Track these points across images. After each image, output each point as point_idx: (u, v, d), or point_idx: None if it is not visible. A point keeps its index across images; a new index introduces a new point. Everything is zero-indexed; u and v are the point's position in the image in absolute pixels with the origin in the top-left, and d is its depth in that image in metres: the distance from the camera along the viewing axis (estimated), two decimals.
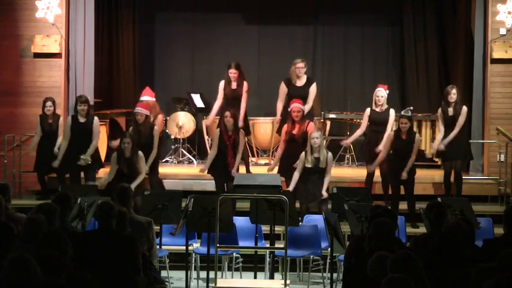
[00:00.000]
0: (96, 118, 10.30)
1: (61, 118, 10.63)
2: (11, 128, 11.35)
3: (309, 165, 9.53)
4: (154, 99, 10.74)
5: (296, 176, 9.62)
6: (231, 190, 9.19)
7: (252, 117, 12.47)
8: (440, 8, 13.53)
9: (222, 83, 10.98)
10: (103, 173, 10.44)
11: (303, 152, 9.63)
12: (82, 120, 10.13)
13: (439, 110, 10.47)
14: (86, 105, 10.15)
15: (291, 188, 9.55)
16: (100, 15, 13.07)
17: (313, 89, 10.71)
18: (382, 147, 10.03)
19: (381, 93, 10.37)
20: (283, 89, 10.78)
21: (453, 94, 10.30)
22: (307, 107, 10.49)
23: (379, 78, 12.80)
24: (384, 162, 10.09)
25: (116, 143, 10.18)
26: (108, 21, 13.56)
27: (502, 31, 11.49)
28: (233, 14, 14.17)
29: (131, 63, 13.71)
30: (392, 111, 10.39)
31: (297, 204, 9.61)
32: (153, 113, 10.43)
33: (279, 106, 10.88)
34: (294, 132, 9.97)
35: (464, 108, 10.40)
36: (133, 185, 9.05)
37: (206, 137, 12.95)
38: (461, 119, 10.33)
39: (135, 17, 13.73)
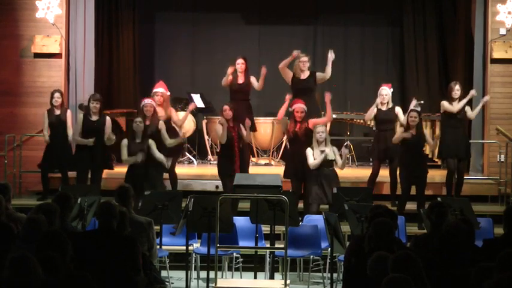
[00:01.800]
0: (108, 117, 10.27)
1: (68, 111, 10.61)
2: (11, 128, 11.36)
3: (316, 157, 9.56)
4: (168, 93, 10.68)
5: (315, 161, 9.54)
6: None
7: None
8: (440, 8, 13.54)
9: (230, 69, 10.88)
10: (104, 173, 10.40)
11: (308, 148, 9.62)
12: (94, 118, 10.10)
13: (444, 102, 10.43)
14: (99, 103, 10.11)
15: (318, 161, 9.49)
16: (100, 15, 13.07)
17: (320, 73, 10.67)
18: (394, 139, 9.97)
19: (385, 91, 10.37)
20: (289, 72, 10.70)
21: (457, 90, 10.33)
22: (327, 70, 10.57)
23: (379, 79, 12.80)
24: (394, 163, 10.10)
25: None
26: (108, 21, 13.56)
27: (502, 31, 11.50)
28: (233, 14, 14.18)
29: (131, 63, 13.71)
30: (398, 109, 10.39)
31: (301, 205, 9.62)
32: (164, 107, 10.40)
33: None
34: (297, 129, 9.95)
35: (468, 107, 10.48)
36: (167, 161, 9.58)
37: (206, 137, 12.96)
38: (471, 114, 10.41)
39: (135, 17, 13.73)
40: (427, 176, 10.01)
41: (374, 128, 10.74)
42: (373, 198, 9.00)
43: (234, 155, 9.88)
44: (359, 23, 14.12)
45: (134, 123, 9.57)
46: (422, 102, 10.91)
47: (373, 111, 10.43)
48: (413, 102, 10.86)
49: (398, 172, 10.08)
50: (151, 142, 9.58)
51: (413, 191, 9.88)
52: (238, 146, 9.90)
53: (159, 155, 9.58)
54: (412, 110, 10.02)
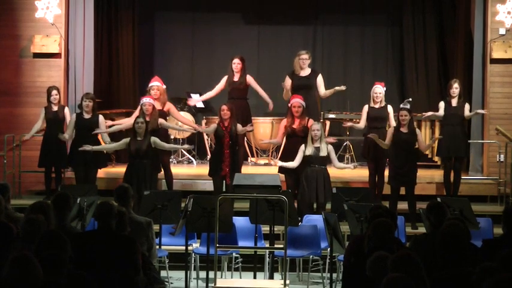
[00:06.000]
0: (101, 116, 10.30)
1: (66, 108, 10.65)
2: (10, 128, 11.35)
3: (309, 153, 9.51)
4: (164, 86, 10.67)
5: (293, 162, 9.59)
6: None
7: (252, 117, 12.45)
8: (440, 8, 13.55)
9: (224, 78, 10.96)
10: (103, 173, 10.40)
11: (303, 145, 9.61)
12: (87, 116, 10.14)
13: (442, 102, 10.53)
14: (92, 101, 10.16)
15: (293, 164, 9.58)
16: (100, 15, 13.07)
17: (320, 79, 10.70)
18: (387, 141, 9.90)
19: (379, 89, 10.37)
20: (287, 81, 10.73)
21: (455, 88, 10.37)
22: (322, 94, 10.70)
23: (378, 79, 12.78)
24: (381, 162, 10.08)
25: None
26: (108, 21, 13.56)
27: (502, 31, 11.50)
28: (233, 14, 14.18)
29: (131, 63, 13.71)
30: (390, 107, 10.39)
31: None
32: (161, 100, 10.41)
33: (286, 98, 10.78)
34: (295, 126, 9.93)
35: (467, 105, 10.54)
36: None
37: (206, 137, 12.95)
38: (467, 114, 10.44)
39: (135, 17, 13.73)
40: (420, 176, 10.00)
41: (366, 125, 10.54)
42: (375, 198, 8.98)
43: (223, 154, 9.87)
44: (359, 23, 14.12)
45: (136, 124, 9.59)
46: (410, 99, 10.88)
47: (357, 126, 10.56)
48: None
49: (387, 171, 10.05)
50: (154, 139, 9.61)
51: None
52: (228, 145, 9.88)
53: (169, 145, 10.04)
54: (401, 109, 9.99)
